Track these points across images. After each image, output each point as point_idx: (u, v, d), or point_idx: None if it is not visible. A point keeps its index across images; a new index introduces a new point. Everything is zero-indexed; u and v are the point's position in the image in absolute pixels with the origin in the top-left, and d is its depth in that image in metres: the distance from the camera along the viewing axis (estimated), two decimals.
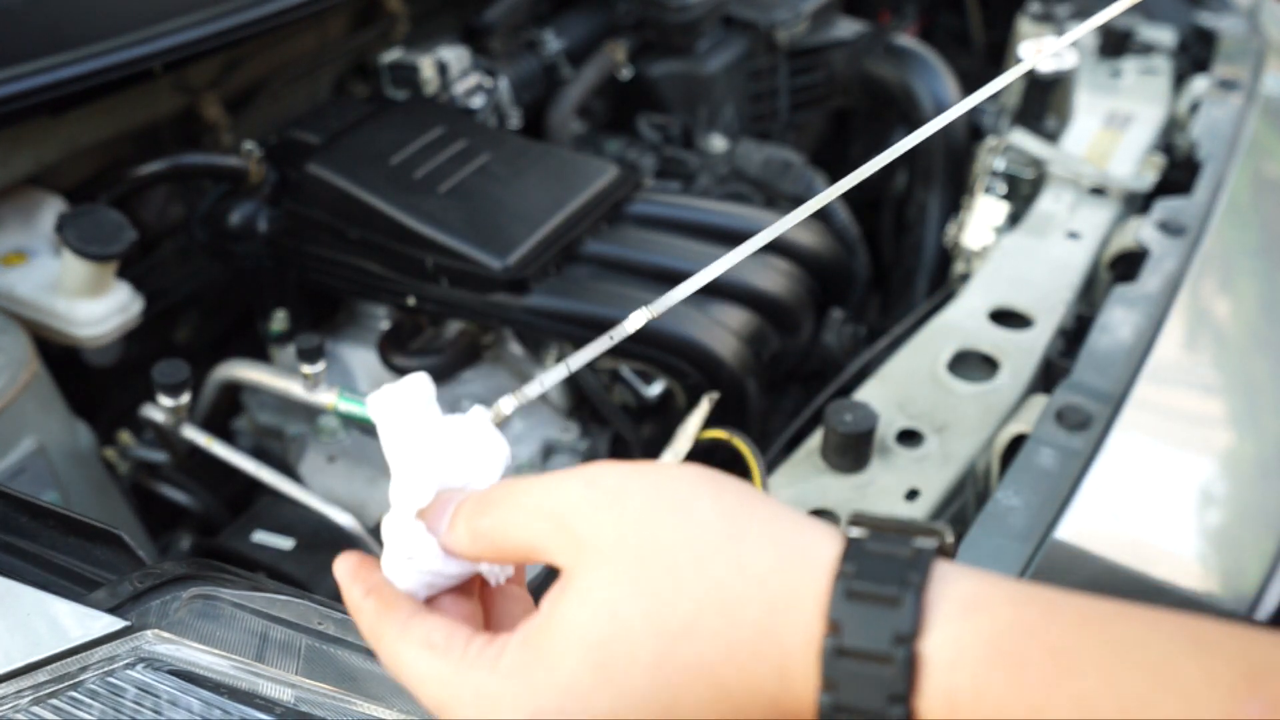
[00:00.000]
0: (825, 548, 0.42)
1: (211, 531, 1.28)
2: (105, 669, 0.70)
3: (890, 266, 1.86)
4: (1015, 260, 1.32)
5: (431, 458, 0.50)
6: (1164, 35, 1.81)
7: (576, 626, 0.42)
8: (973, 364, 1.18)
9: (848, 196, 1.68)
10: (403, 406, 0.51)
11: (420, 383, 0.51)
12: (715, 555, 0.42)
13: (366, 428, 1.31)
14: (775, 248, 1.40)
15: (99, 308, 1.21)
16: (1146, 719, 0.36)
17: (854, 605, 0.39)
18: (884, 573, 0.40)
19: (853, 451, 1.04)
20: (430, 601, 0.50)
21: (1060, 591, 0.40)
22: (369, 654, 0.72)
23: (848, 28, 1.88)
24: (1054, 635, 0.38)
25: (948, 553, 0.42)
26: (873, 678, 0.39)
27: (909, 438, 1.09)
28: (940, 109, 1.73)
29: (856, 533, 0.42)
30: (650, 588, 0.42)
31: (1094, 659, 0.37)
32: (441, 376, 1.36)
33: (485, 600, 0.52)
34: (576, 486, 0.45)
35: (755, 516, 0.43)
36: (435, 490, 0.50)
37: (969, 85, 1.84)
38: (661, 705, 0.41)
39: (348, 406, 1.17)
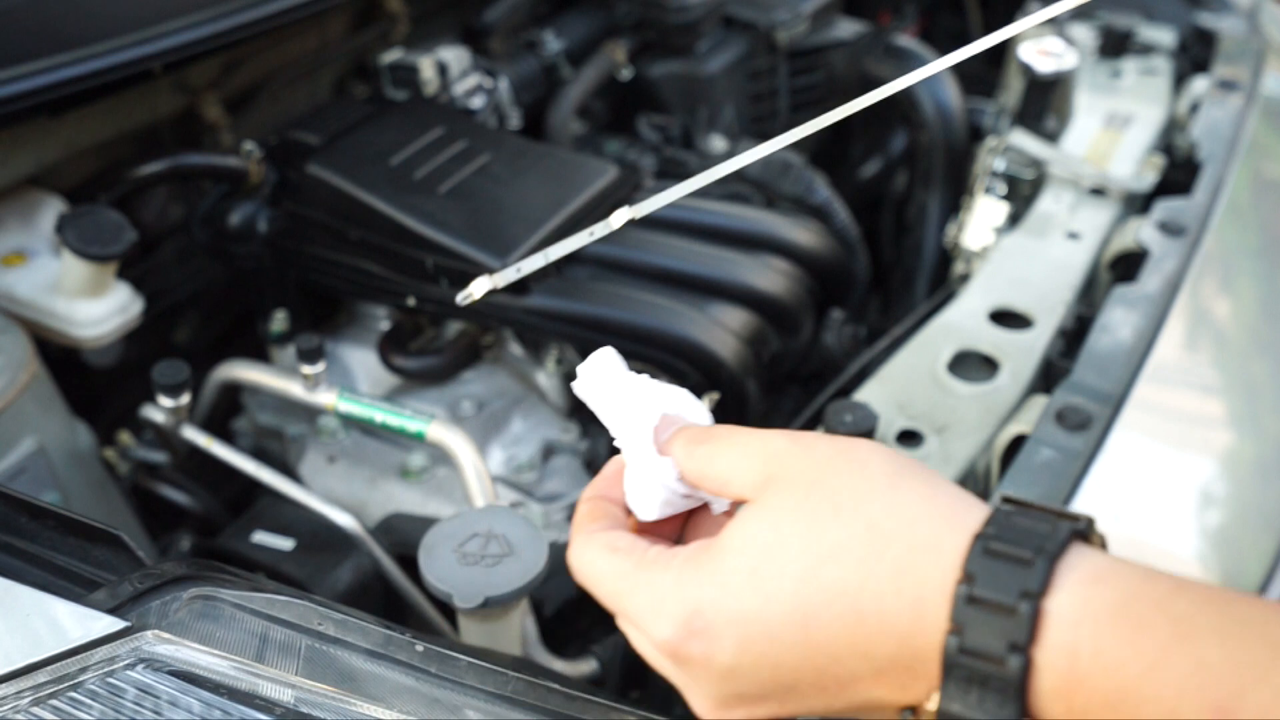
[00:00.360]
0: (974, 513, 0.46)
1: (211, 532, 1.28)
2: (105, 670, 0.70)
3: (890, 267, 1.86)
4: (1015, 261, 1.32)
5: (649, 398, 0.57)
6: (1164, 36, 1.81)
7: (743, 538, 0.49)
8: (973, 364, 1.18)
9: (848, 197, 1.69)
10: (604, 374, 0.59)
11: (611, 353, 0.60)
12: (873, 498, 0.47)
13: (366, 428, 1.31)
14: (776, 248, 1.40)
15: (99, 308, 1.21)
16: (1261, 689, 0.37)
17: (989, 561, 0.43)
18: (1022, 539, 0.43)
19: None
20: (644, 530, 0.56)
21: (1186, 576, 0.42)
22: (369, 654, 0.73)
23: (848, 28, 1.88)
24: (1178, 606, 0.40)
25: (1094, 541, 0.45)
26: (997, 626, 0.41)
27: (909, 438, 1.09)
28: (941, 110, 1.73)
29: (1005, 508, 0.45)
30: (810, 514, 0.47)
31: (1214, 629, 0.39)
32: (441, 377, 1.36)
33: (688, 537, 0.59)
34: (782, 439, 0.51)
35: (918, 478, 0.48)
36: (660, 415, 0.57)
37: (969, 86, 1.84)
38: (801, 617, 0.46)
39: (348, 407, 1.17)
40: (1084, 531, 0.45)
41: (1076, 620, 0.41)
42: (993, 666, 0.41)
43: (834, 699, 0.46)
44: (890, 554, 0.45)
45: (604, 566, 0.53)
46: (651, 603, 0.50)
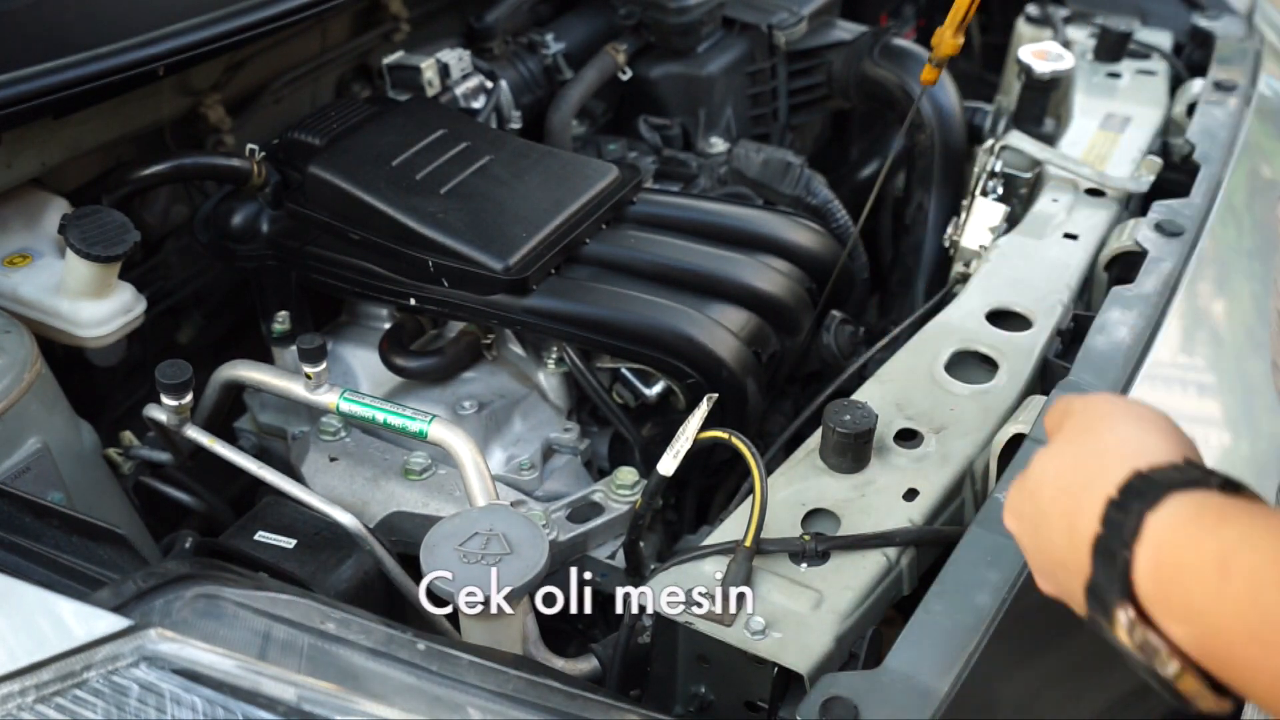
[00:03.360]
0: (1124, 468, 0.66)
1: (214, 531, 1.29)
2: (109, 668, 0.70)
3: (889, 267, 1.87)
4: (1013, 261, 1.33)
5: None
6: (1161, 38, 1.82)
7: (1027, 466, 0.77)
8: (971, 364, 1.19)
9: (846, 199, 1.69)
10: None
11: None
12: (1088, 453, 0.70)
13: (368, 428, 1.32)
14: (775, 248, 1.40)
15: (102, 309, 1.22)
16: (1248, 553, 0.56)
17: (1115, 510, 0.64)
18: (1133, 497, 0.64)
19: (851, 452, 1.05)
20: None
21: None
22: (371, 653, 0.73)
23: (847, 30, 1.88)
24: (1221, 526, 0.59)
25: (1232, 487, 0.63)
26: (1115, 542, 0.63)
27: (907, 438, 1.09)
28: (940, 111, 1.74)
29: (1139, 474, 0.65)
30: (1053, 454, 0.73)
31: (1237, 526, 0.58)
32: (442, 377, 1.36)
33: None
34: (1069, 399, 0.77)
35: (1120, 435, 0.70)
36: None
37: (967, 88, 1.85)
38: (1026, 517, 0.74)
39: (350, 407, 1.17)
40: (1185, 483, 0.64)
41: (1156, 534, 0.61)
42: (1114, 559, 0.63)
43: (1055, 568, 0.71)
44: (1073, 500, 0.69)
45: None
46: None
